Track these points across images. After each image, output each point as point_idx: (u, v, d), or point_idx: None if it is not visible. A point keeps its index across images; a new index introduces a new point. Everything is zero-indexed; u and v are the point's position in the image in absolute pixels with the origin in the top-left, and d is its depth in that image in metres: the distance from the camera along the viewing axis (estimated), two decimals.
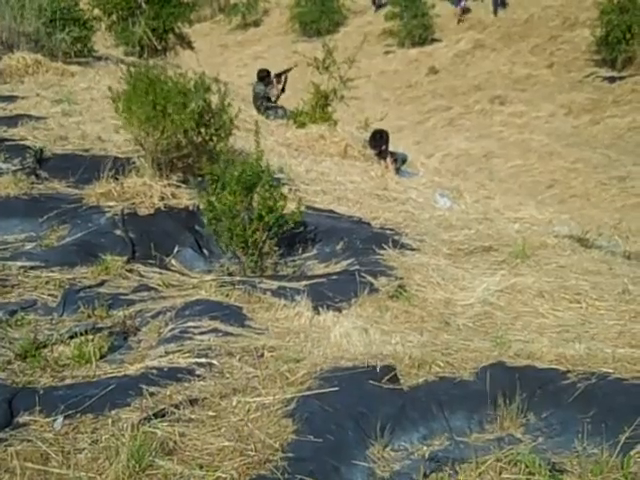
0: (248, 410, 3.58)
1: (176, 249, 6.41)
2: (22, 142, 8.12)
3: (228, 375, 3.94)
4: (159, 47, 18.24)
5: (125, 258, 5.93)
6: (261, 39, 31.60)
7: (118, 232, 6.36)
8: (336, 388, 3.68)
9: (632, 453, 3.21)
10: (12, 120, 8.97)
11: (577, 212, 12.17)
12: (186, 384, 3.82)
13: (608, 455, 3.24)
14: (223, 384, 3.82)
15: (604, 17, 21.27)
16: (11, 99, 10.22)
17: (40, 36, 13.18)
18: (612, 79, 21.01)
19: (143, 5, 18.18)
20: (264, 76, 14.98)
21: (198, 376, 3.91)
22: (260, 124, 7.28)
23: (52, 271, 5.51)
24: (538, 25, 24.75)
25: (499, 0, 26.34)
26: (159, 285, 5.50)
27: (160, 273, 5.79)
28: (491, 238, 7.02)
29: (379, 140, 11.06)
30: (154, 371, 3.92)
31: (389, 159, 10.82)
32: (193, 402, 3.62)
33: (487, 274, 5.93)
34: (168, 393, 3.72)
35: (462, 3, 27.55)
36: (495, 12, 26.38)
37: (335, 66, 13.19)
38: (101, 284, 5.40)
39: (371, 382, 3.78)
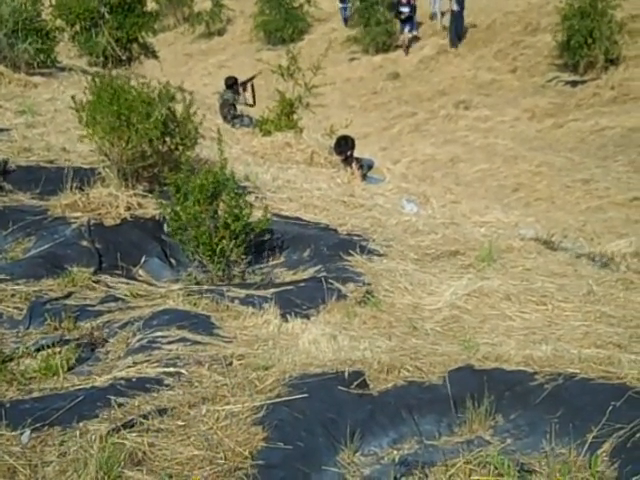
0: (217, 418, 3.56)
1: (143, 259, 6.40)
2: None
3: (197, 384, 3.93)
4: (123, 57, 18.15)
5: (92, 269, 5.90)
6: (225, 48, 31.56)
7: (84, 243, 6.34)
8: (305, 395, 3.68)
9: (599, 452, 3.24)
10: None
11: (542, 215, 12.25)
12: (155, 394, 3.80)
13: (576, 455, 3.27)
14: (192, 393, 3.81)
15: (566, 22, 21.44)
16: None
17: (2, 47, 13.08)
18: (574, 83, 21.19)
19: (106, 15, 18.08)
20: (232, 84, 15.00)
21: (167, 386, 3.89)
22: (225, 132, 7.29)
23: (17, 284, 5.47)
24: (500, 30, 24.92)
25: (457, 31, 24.96)
26: (126, 296, 5.48)
27: (127, 283, 5.78)
28: (458, 242, 7.06)
29: (344, 146, 11.07)
30: (122, 382, 3.90)
31: (355, 165, 10.82)
32: (162, 412, 3.60)
33: (454, 278, 5.97)
34: (137, 403, 3.70)
35: (407, 30, 25.71)
36: (452, 44, 24.87)
37: (300, 73, 13.24)
38: (68, 296, 5.37)
39: (340, 388, 3.78)
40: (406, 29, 25.72)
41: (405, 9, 25.55)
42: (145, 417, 3.54)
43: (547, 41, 22.82)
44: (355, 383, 3.83)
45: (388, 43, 26.88)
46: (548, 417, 3.51)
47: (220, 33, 34.27)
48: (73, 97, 7.61)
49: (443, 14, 26.04)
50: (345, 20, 29.77)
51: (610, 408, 3.40)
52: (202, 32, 34.79)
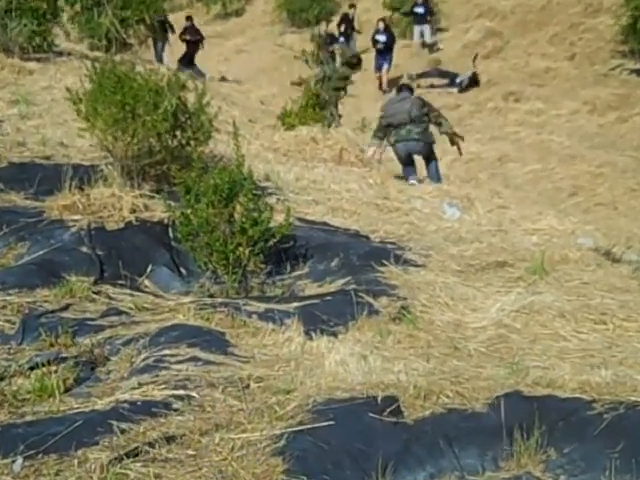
0: (232, 448, 3.58)
1: (149, 268, 6.43)
2: None
3: (209, 409, 3.95)
4: (128, 40, 18.27)
5: (92, 279, 5.95)
6: (244, 30, 31.65)
7: (84, 249, 6.38)
8: (331, 422, 3.69)
9: None
10: None
11: (603, 222, 12.18)
12: (162, 419, 3.82)
13: None
14: (204, 419, 3.83)
15: (631, 3, 21.34)
16: None
17: None
18: None
19: None
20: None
21: (175, 410, 3.91)
22: (243, 126, 7.33)
23: (9, 294, 5.52)
24: (557, 12, 24.80)
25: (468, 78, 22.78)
26: (130, 309, 5.52)
27: (131, 295, 5.81)
28: (506, 252, 7.06)
29: None
30: (126, 405, 3.93)
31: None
32: (170, 440, 3.62)
33: (501, 292, 5.97)
34: (142, 430, 3.72)
35: (385, 66, 23.34)
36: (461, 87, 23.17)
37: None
38: (65, 308, 5.41)
39: (371, 415, 3.79)
40: (384, 65, 23.41)
41: (382, 37, 23.68)
42: (151, 445, 3.56)
43: (610, 24, 22.69)
44: (388, 410, 3.83)
45: None
46: (607, 451, 3.49)
47: (238, 13, 34.38)
48: (68, 88, 7.68)
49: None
50: None
51: None
52: (218, 12, 34.91)
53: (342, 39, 24.57)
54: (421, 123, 11.27)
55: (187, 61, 20.39)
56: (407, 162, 11.39)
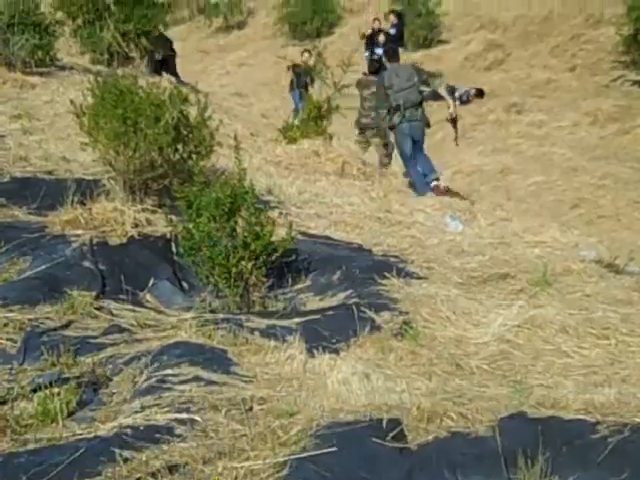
0: (235, 477, 3.53)
1: (151, 282, 6.41)
2: None
3: (212, 434, 3.90)
4: (130, 54, 18.28)
5: (94, 294, 5.92)
6: (246, 43, 31.71)
7: (86, 264, 6.36)
8: (334, 449, 3.65)
9: None
10: None
11: (606, 234, 12.17)
12: (165, 446, 3.76)
13: None
14: (207, 445, 3.78)
15: (633, 13, 21.33)
16: None
17: None
18: None
19: (112, 7, 18.23)
20: None
21: (178, 436, 3.86)
22: (245, 140, 7.31)
23: (11, 310, 5.49)
24: (558, 23, 24.82)
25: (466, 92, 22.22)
26: (133, 325, 5.49)
27: (134, 311, 5.78)
28: (508, 264, 7.04)
29: None
30: (129, 430, 3.87)
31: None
32: (173, 469, 3.56)
33: (503, 306, 5.94)
34: (144, 458, 3.66)
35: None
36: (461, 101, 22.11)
37: (328, 71, 13.25)
38: (67, 325, 5.38)
39: (374, 440, 3.75)
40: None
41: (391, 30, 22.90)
42: (154, 475, 3.51)
43: (611, 35, 22.70)
44: (391, 434, 3.79)
45: (430, 37, 26.88)
46: (612, 479, 3.44)
47: (240, 27, 34.45)
48: (72, 101, 7.67)
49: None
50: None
51: None
52: (220, 25, 34.98)
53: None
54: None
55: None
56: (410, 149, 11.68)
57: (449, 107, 12.83)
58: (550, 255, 7.81)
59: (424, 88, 12.14)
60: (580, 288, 6.43)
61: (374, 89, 13.05)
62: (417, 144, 12.22)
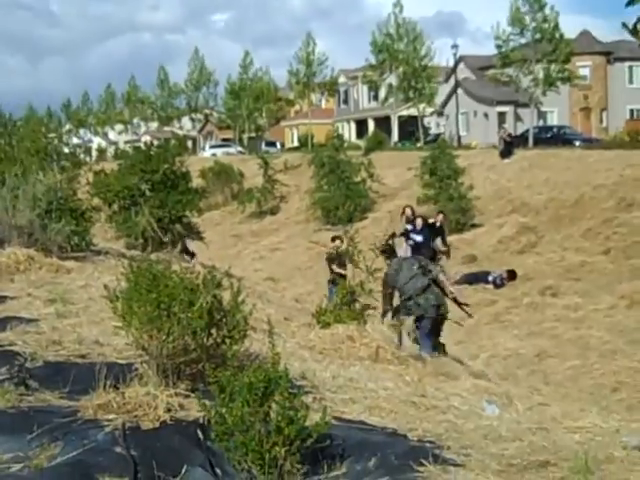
0: None
1: (184, 469, 6.38)
2: (10, 348, 8.27)
3: None
4: (165, 239, 18.69)
5: None
6: (279, 228, 32.37)
7: (118, 449, 6.36)
8: None
9: None
10: (0, 323, 9.17)
11: None
12: None
13: None
14: None
15: None
16: None
17: (34, 229, 13.57)
18: None
19: (147, 193, 18.75)
20: None
21: None
22: (279, 324, 7.40)
23: None
24: (590, 207, 25.23)
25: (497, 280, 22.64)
26: None
27: None
28: (548, 451, 6.96)
29: None
30: None
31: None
32: None
33: None
34: None
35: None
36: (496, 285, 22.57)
37: (360, 256, 13.49)
38: None
39: None
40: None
41: (417, 237, 22.40)
42: None
43: None
44: None
45: (462, 222, 27.31)
46: None
47: (273, 212, 35.26)
48: (106, 286, 7.84)
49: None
50: None
51: None
52: (253, 211, 35.83)
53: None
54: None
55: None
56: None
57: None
58: (591, 441, 7.71)
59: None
60: (624, 476, 6.34)
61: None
62: None
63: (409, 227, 22.83)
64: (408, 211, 23.51)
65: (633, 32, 6.47)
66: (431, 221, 22.96)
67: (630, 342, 17.33)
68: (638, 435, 8.49)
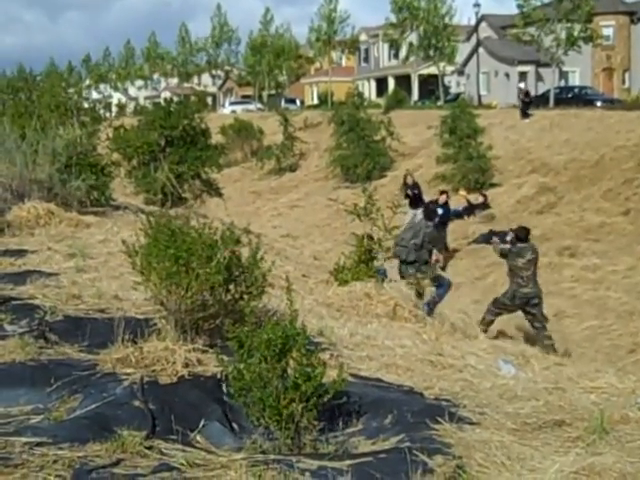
0: None
1: (202, 423, 6.42)
2: (31, 301, 8.33)
3: None
4: (183, 195, 18.69)
5: (144, 433, 5.95)
6: (298, 185, 32.30)
7: (136, 403, 6.40)
8: None
9: None
10: (20, 277, 9.23)
11: None
12: None
13: None
14: None
15: None
16: (20, 253, 10.52)
17: (53, 184, 13.59)
18: None
19: (167, 149, 18.73)
20: None
21: None
22: (297, 281, 7.41)
23: (61, 448, 5.52)
24: (610, 167, 25.05)
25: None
26: (182, 465, 5.49)
27: (183, 450, 5.79)
28: (563, 411, 6.97)
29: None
30: None
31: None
32: None
33: (559, 453, 5.87)
34: None
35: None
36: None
37: (379, 214, 13.47)
38: (116, 463, 5.40)
39: None
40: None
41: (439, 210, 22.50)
42: None
43: None
44: None
45: (481, 181, 27.20)
46: None
47: (292, 169, 35.17)
48: (124, 241, 7.86)
49: None
50: None
51: None
52: (272, 168, 35.77)
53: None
54: None
55: None
56: None
57: None
58: (606, 402, 7.72)
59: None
60: (639, 436, 6.35)
61: (529, 256, 14.27)
62: None
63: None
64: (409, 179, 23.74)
65: None
66: (436, 199, 22.88)
67: None
68: None
